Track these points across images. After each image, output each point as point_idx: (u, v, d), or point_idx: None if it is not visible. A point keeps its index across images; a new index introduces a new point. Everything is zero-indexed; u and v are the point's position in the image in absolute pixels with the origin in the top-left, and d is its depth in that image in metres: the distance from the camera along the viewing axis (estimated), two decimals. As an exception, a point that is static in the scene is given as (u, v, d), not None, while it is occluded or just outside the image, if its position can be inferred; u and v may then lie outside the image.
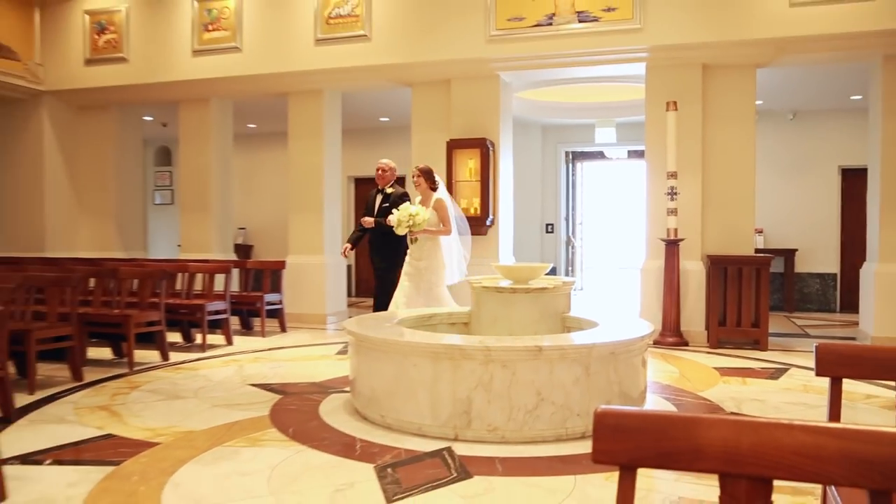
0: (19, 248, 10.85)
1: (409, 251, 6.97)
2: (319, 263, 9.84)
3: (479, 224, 8.75)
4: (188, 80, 9.84)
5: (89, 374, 6.36)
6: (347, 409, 5.11)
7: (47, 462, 4.10)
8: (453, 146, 8.81)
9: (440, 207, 6.81)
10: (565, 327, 5.57)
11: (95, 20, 10.22)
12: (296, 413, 5.10)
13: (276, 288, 9.34)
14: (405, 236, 6.97)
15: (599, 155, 13.56)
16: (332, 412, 5.09)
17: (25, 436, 4.60)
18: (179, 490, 3.61)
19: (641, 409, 1.45)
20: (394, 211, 6.85)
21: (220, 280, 8.57)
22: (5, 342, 4.74)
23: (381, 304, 7.44)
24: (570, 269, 13.57)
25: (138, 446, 4.34)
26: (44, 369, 6.18)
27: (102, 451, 4.30)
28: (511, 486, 3.64)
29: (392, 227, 6.81)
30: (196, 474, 3.86)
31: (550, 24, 8.12)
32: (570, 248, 13.51)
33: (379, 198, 7.72)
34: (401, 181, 10.11)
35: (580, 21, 8.01)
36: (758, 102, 8.58)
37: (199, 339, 8.04)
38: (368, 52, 8.88)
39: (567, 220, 13.39)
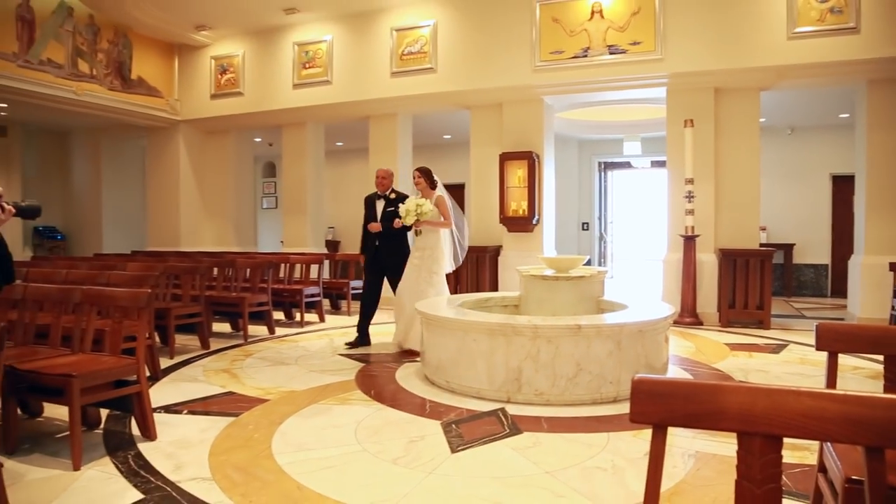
0: (160, 244, 11.25)
1: (413, 243, 6.34)
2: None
3: (526, 223, 8.68)
4: (289, 109, 9.99)
5: (214, 344, 6.55)
6: (419, 376, 5.13)
7: (184, 412, 4.24)
8: (505, 158, 8.74)
9: (441, 203, 6.22)
10: (600, 309, 5.50)
11: (219, 63, 10.46)
12: (376, 378, 5.15)
13: (360, 275, 9.42)
14: (407, 241, 6.48)
15: (627, 164, 13.28)
16: (406, 378, 5.12)
17: (167, 391, 4.76)
18: (285, 437, 3.69)
19: (672, 378, 1.41)
20: (400, 206, 6.14)
21: (314, 269, 8.71)
22: (152, 317, 4.90)
23: (370, 303, 6.57)
24: (602, 260, 13.36)
25: (252, 402, 4.45)
26: (180, 339, 6.36)
27: (225, 404, 4.42)
28: (554, 440, 3.60)
29: (400, 226, 6.14)
30: (298, 425, 3.93)
31: (586, 55, 7.98)
32: (602, 242, 13.29)
33: (381, 203, 6.49)
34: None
35: (611, 53, 7.85)
36: (761, 119, 8.33)
37: (298, 317, 8.18)
38: (434, 82, 8.88)
39: (600, 219, 13.18)
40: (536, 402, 4.23)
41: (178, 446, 3.55)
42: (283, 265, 8.61)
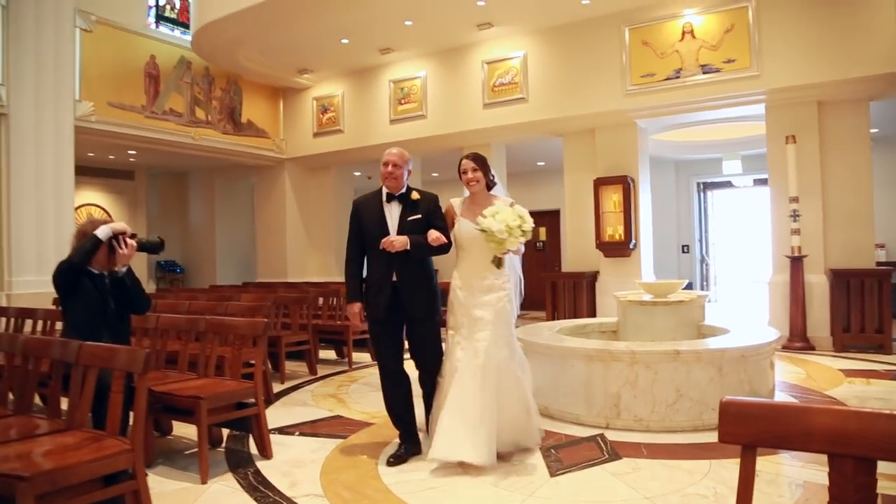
0: (269, 275, 11.92)
1: (474, 280, 3.83)
2: (491, 282, 10.00)
3: (623, 247, 8.61)
4: (387, 143, 10.39)
5: (321, 370, 6.87)
6: (517, 400, 5.20)
7: (296, 433, 4.52)
8: (599, 183, 8.74)
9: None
10: (700, 334, 5.37)
11: (320, 104, 11.09)
12: (477, 402, 5.25)
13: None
14: (430, 268, 3.98)
15: (727, 184, 12.88)
16: (506, 402, 5.20)
17: (280, 414, 5.07)
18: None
19: (759, 399, 1.45)
20: (484, 216, 3.66)
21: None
22: (266, 346, 5.26)
23: (398, 382, 3.95)
24: (704, 283, 12.94)
25: (358, 425, 4.67)
26: (290, 366, 6.71)
27: (333, 427, 4.66)
28: (654, 466, 3.58)
29: (434, 245, 3.76)
30: (403, 448, 4.10)
31: (678, 77, 7.90)
32: (703, 265, 12.89)
33: (395, 207, 3.86)
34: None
35: (704, 73, 7.74)
36: (873, 130, 7.88)
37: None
38: (526, 111, 9.02)
39: (700, 241, 12.80)
40: (636, 429, 4.21)
41: (292, 465, 3.80)
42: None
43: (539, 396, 4.74)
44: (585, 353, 4.45)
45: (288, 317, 6.95)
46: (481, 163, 3.92)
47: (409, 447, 3.87)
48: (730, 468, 3.49)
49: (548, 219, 13.59)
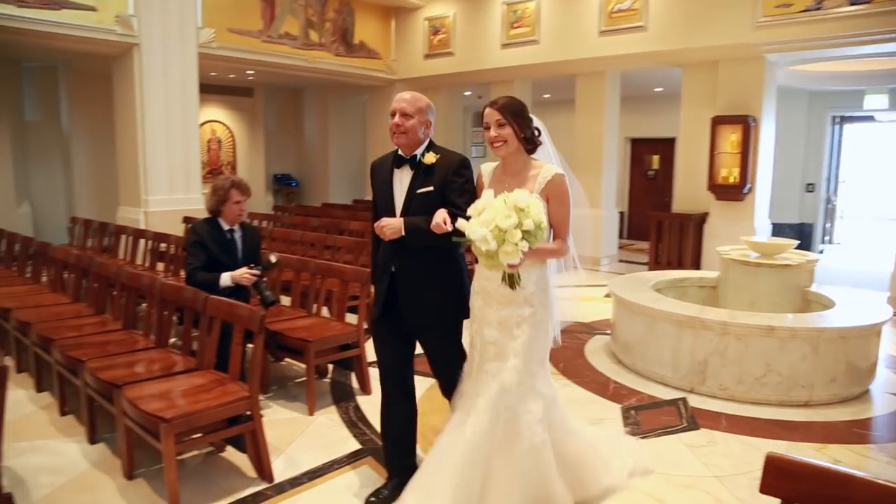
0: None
1: (485, 284, 2.79)
2: (597, 215, 9.97)
3: (737, 191, 8.28)
4: (497, 68, 10.32)
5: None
6: (606, 351, 5.37)
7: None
8: (717, 122, 8.33)
9: (560, 192, 2.72)
10: (804, 301, 5.24)
11: (432, 24, 11.04)
12: (567, 350, 5.45)
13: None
14: (460, 257, 2.97)
15: (868, 118, 11.83)
16: (595, 352, 5.38)
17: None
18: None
19: (804, 459, 1.55)
20: (470, 213, 2.51)
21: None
22: (370, 288, 5.67)
23: (391, 373, 3.07)
24: (828, 224, 12.21)
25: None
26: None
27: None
28: (730, 442, 3.67)
29: (437, 233, 2.62)
30: (491, 395, 4.40)
31: (819, 8, 7.24)
32: (828, 205, 12.10)
33: (405, 174, 2.91)
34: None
35: (851, 4, 7.05)
36: None
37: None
38: (645, 41, 8.62)
39: (828, 179, 11.96)
40: (720, 396, 4.29)
41: (389, 405, 4.20)
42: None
43: (628, 352, 4.90)
44: (676, 318, 4.49)
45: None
46: (513, 114, 2.67)
47: (399, 483, 2.86)
48: (808, 455, 3.54)
49: (662, 147, 13.12)
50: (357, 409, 4.20)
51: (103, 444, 3.65)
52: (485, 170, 2.92)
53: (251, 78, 11.85)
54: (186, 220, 8.01)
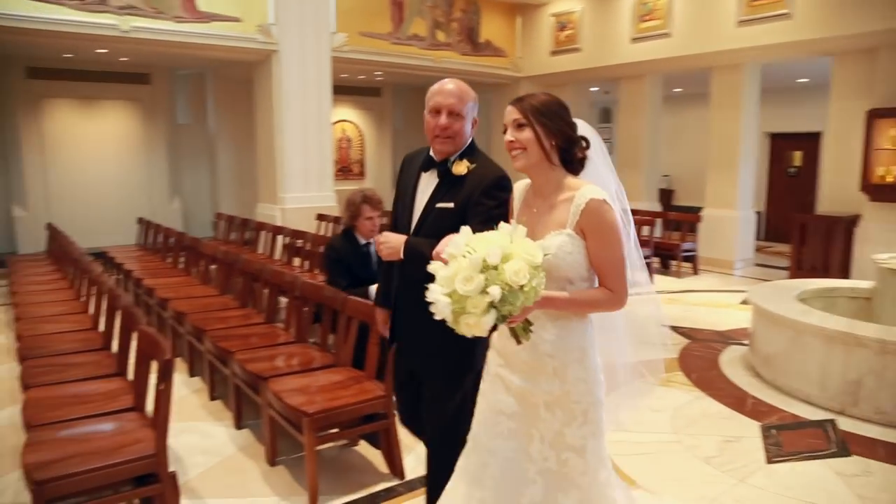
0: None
1: (496, 353, 2.18)
2: (732, 217, 9.49)
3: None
4: (626, 63, 10.04)
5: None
6: (743, 363, 5.10)
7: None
8: (875, 115, 7.66)
9: (600, 225, 1.96)
10: (977, 316, 4.73)
11: (559, 20, 10.92)
12: (699, 360, 5.24)
13: (693, 232, 9.36)
14: None
15: None
16: (730, 363, 5.14)
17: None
18: (607, 414, 4.09)
19: None
20: (451, 240, 1.80)
21: (645, 229, 8.85)
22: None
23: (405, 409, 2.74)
24: None
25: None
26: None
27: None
28: (888, 473, 3.38)
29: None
30: (616, 401, 4.30)
31: None
32: None
33: (431, 179, 2.44)
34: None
35: None
36: None
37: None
38: (790, 29, 8.06)
39: None
40: (875, 421, 3.97)
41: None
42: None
43: (768, 365, 4.64)
44: (826, 333, 4.19)
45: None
46: (539, 113, 2.01)
47: None
48: (983, 488, 3.21)
49: (805, 142, 12.27)
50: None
51: (248, 430, 3.94)
52: (517, 189, 2.21)
53: (379, 79, 12.27)
54: (320, 217, 8.44)
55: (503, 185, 2.29)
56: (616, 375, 2.27)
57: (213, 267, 6.08)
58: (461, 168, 2.34)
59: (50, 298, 5.32)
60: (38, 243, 9.10)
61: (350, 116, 13.25)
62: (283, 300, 4.58)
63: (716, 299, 7.54)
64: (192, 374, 4.93)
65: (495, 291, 1.65)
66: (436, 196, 2.37)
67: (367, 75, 11.75)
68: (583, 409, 2.05)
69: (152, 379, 2.77)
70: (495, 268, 1.68)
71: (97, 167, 10.60)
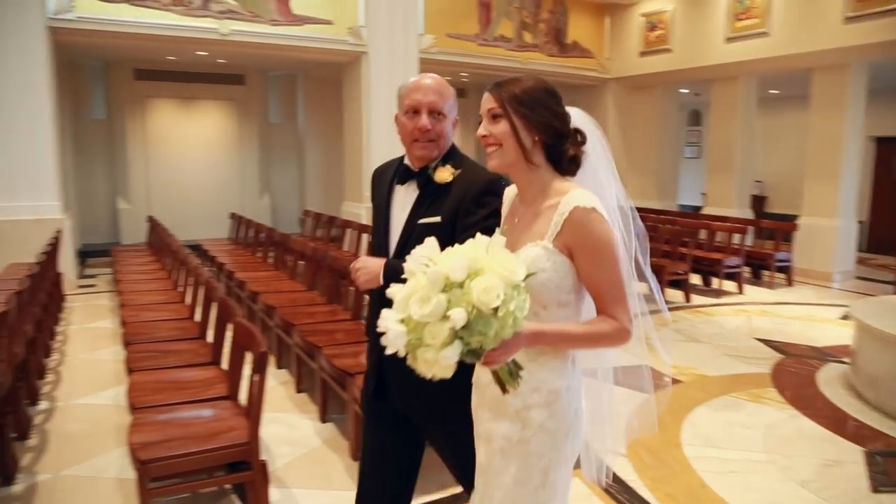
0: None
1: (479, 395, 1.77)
2: (831, 226, 9.00)
3: None
4: (720, 64, 9.70)
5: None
6: (843, 382, 4.82)
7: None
8: None
9: (587, 239, 1.57)
10: None
11: (649, 20, 10.67)
12: (794, 376, 4.99)
13: (787, 241, 8.95)
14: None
15: None
16: (829, 382, 4.86)
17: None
18: (695, 428, 3.96)
19: None
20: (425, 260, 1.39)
21: (736, 237, 8.51)
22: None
23: (372, 473, 2.10)
24: None
25: (664, 379, 4.82)
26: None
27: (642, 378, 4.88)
28: None
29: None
30: (707, 417, 4.15)
31: None
32: None
33: (409, 192, 2.03)
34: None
35: None
36: None
37: (714, 283, 8.20)
38: (903, 26, 7.59)
39: None
40: None
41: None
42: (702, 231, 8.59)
43: (873, 386, 4.38)
44: (939, 351, 3.91)
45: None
46: (518, 102, 1.63)
47: None
48: None
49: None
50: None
51: (332, 423, 4.02)
52: (506, 195, 1.87)
53: (465, 80, 12.31)
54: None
55: (496, 191, 1.90)
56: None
57: (300, 262, 6.26)
58: (445, 175, 1.96)
59: (150, 287, 5.62)
60: (139, 234, 9.64)
61: (434, 117, 13.37)
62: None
63: (812, 313, 7.15)
64: (279, 366, 5.08)
65: (457, 315, 1.27)
66: (417, 211, 1.97)
67: (452, 76, 11.80)
68: (542, 467, 1.63)
69: (246, 369, 2.88)
70: (461, 285, 1.30)
71: (194, 163, 11.14)
